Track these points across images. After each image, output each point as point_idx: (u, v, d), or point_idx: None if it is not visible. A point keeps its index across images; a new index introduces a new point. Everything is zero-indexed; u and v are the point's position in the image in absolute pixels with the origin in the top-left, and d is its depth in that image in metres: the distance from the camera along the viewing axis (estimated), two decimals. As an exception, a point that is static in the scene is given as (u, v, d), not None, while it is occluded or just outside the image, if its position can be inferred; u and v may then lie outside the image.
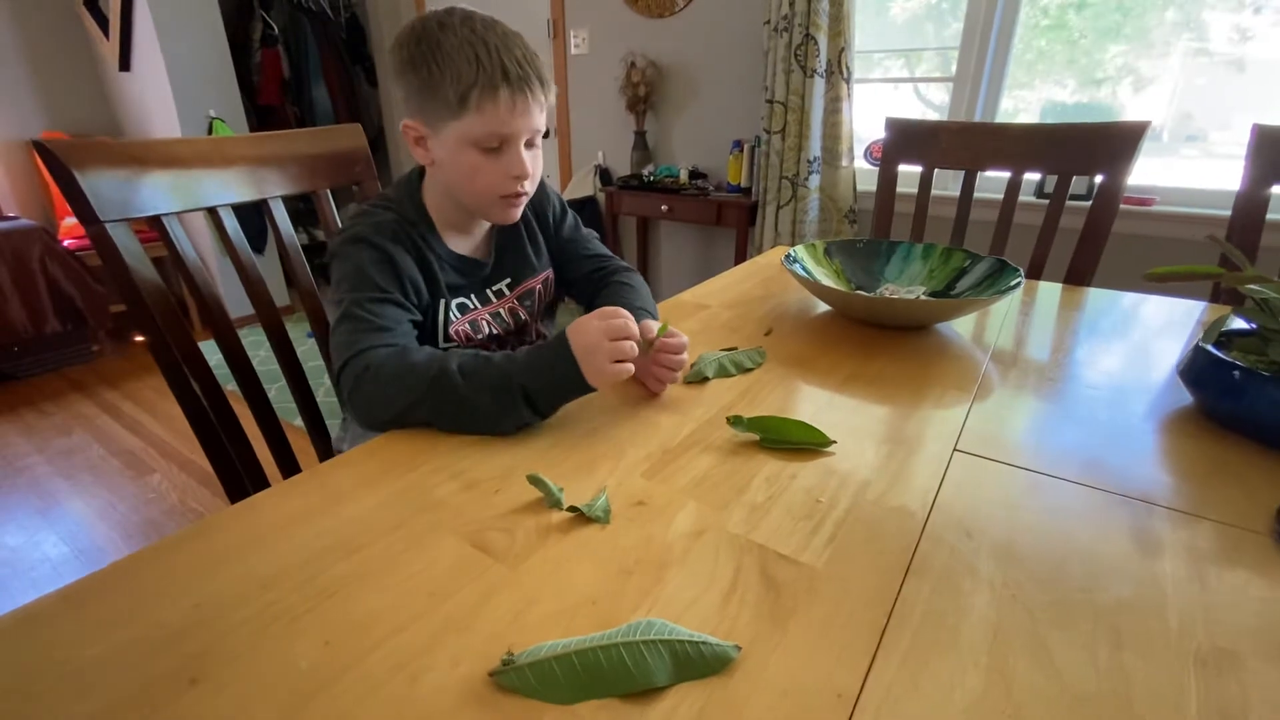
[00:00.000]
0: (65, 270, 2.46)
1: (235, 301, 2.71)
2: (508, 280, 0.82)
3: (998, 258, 0.89)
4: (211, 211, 0.78)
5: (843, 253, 1.00)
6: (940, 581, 0.41)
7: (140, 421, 2.20)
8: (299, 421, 0.87)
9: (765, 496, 0.50)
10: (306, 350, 2.39)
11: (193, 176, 0.75)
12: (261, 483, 0.78)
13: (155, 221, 0.72)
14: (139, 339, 2.80)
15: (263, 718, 0.32)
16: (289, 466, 0.82)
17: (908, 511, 0.49)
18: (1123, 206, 1.12)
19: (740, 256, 2.43)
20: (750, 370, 0.74)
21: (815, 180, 2.20)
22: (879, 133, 2.17)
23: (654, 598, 0.40)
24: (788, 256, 0.93)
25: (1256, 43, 1.70)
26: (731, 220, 2.40)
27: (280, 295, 3.08)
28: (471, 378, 0.57)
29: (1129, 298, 0.98)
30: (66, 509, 1.75)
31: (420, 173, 0.76)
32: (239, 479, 0.77)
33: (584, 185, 2.88)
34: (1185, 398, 0.66)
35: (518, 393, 0.56)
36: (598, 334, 0.57)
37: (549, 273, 0.87)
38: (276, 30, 3.33)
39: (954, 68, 2.05)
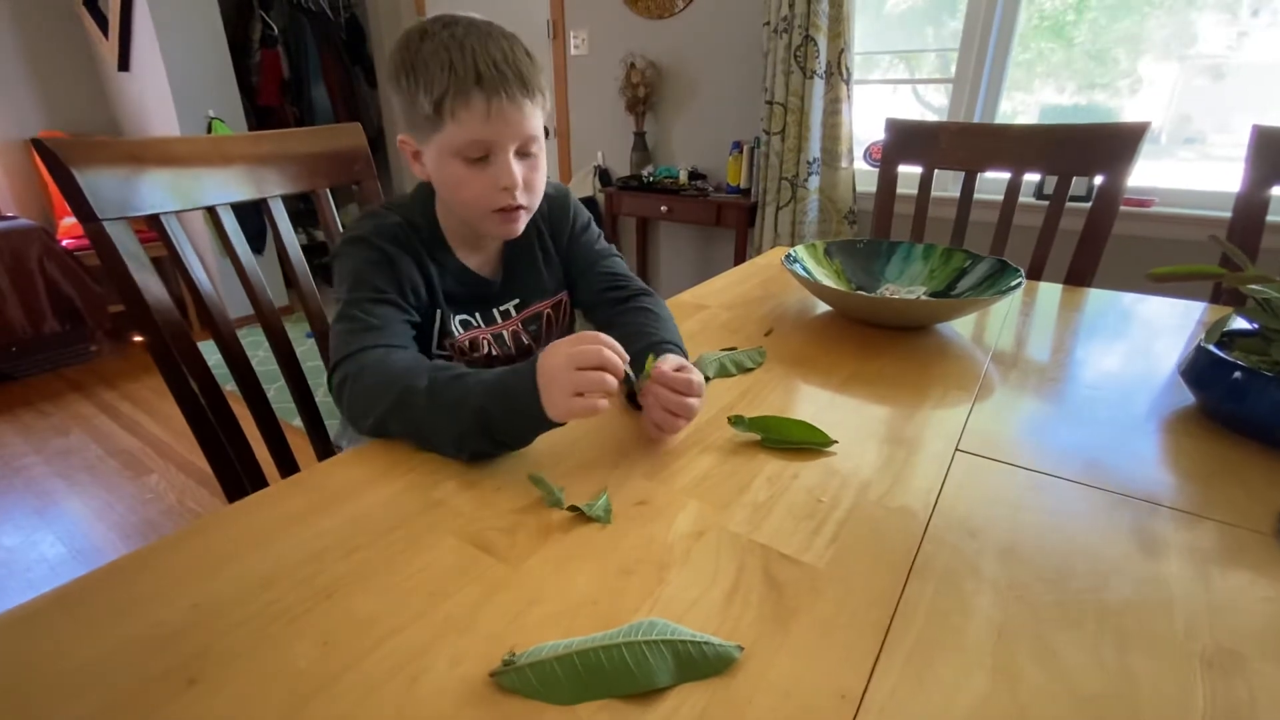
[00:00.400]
0: (64, 270, 2.45)
1: (234, 302, 2.73)
2: (515, 301, 0.78)
3: (998, 258, 0.89)
4: (210, 210, 0.78)
5: (843, 253, 0.99)
6: (943, 582, 0.41)
7: (138, 422, 2.20)
8: (298, 422, 0.87)
9: (767, 496, 0.50)
10: (306, 350, 2.39)
11: (191, 175, 0.75)
12: (260, 483, 0.78)
13: (154, 221, 0.71)
14: (137, 339, 2.80)
15: (261, 718, 0.32)
16: (288, 467, 0.82)
17: (910, 511, 0.48)
18: (1122, 208, 1.12)
19: (740, 257, 2.43)
20: (750, 370, 0.73)
21: (815, 181, 2.20)
22: (878, 134, 2.18)
23: (655, 598, 0.40)
24: (788, 256, 0.93)
25: (1254, 45, 1.70)
26: (731, 221, 2.40)
27: (280, 295, 3.08)
28: (436, 395, 0.53)
29: (1129, 298, 0.98)
30: (64, 509, 1.74)
31: None
32: (238, 479, 0.76)
33: (583, 186, 2.88)
34: (1187, 398, 0.65)
35: (474, 417, 0.51)
36: (562, 361, 0.49)
37: (563, 295, 0.82)
38: (276, 30, 3.32)
39: (953, 69, 2.05)
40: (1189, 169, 1.86)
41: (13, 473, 1.91)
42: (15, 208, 2.84)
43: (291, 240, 0.86)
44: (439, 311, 0.72)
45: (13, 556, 1.57)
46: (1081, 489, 0.51)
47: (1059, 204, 1.14)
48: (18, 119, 2.80)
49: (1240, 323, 0.65)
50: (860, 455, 0.56)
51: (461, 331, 0.74)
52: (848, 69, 2.06)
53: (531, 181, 0.67)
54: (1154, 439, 0.59)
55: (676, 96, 2.62)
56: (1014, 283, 0.80)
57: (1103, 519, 0.48)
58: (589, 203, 2.83)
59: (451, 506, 0.49)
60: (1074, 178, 1.15)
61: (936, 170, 1.26)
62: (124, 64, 2.79)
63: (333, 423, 0.85)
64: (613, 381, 0.49)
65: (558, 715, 0.32)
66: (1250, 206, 1.03)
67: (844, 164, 2.17)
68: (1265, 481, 0.52)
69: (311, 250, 3.23)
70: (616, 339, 0.51)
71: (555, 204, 0.80)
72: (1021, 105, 2.06)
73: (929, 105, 2.27)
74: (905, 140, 1.29)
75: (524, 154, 0.65)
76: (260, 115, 3.39)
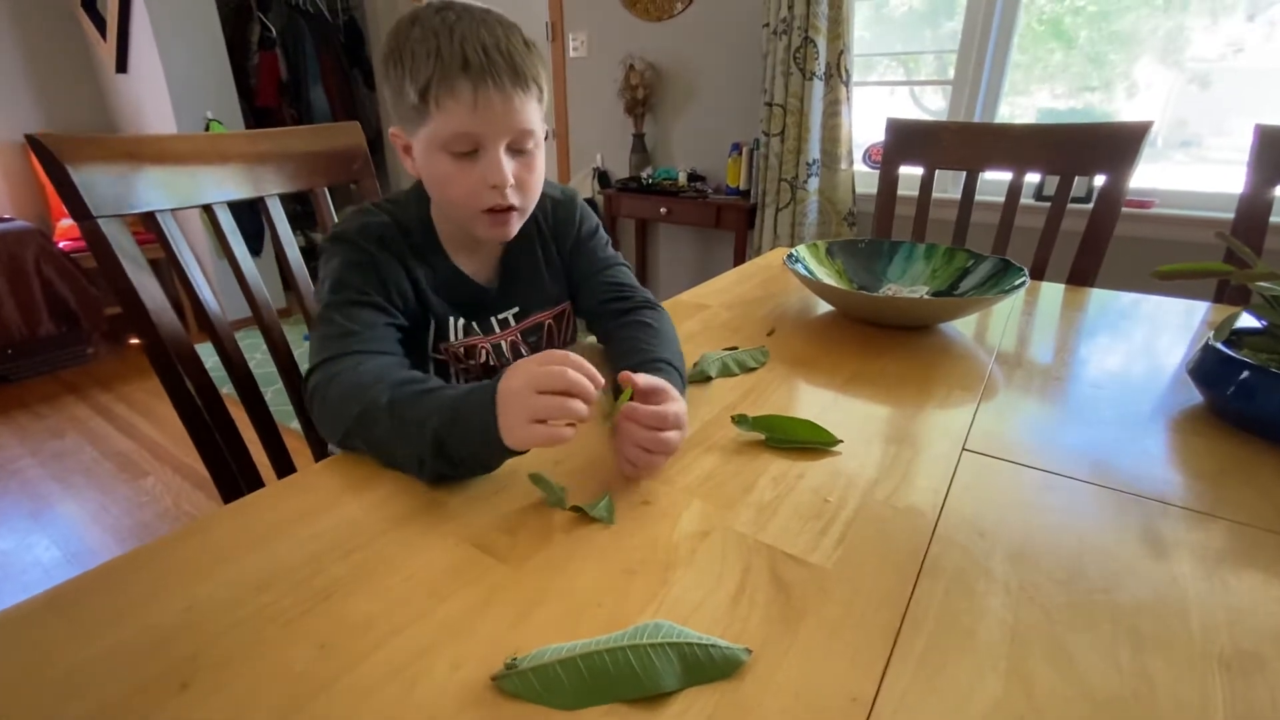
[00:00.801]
0: (60, 272, 2.44)
1: (232, 304, 2.72)
2: (515, 309, 0.74)
3: (1001, 257, 0.88)
4: (207, 209, 0.77)
5: (845, 252, 0.99)
6: (954, 583, 0.40)
7: (134, 424, 2.18)
8: (296, 424, 0.86)
9: (772, 496, 0.49)
10: (304, 352, 2.37)
11: (188, 173, 0.74)
12: (257, 487, 0.76)
13: (151, 220, 0.71)
14: (134, 341, 2.78)
15: (256, 724, 0.31)
16: (286, 470, 0.81)
17: (918, 511, 0.48)
18: (1123, 209, 1.12)
19: (739, 259, 2.42)
20: (753, 370, 0.73)
21: (814, 183, 2.20)
22: (877, 136, 2.18)
23: (660, 599, 0.39)
24: (790, 256, 0.92)
25: (1250, 49, 1.71)
26: (730, 223, 2.39)
27: (278, 297, 3.06)
28: (396, 414, 0.49)
29: (1131, 298, 0.97)
30: (59, 512, 1.73)
31: None
32: (235, 483, 0.75)
33: (582, 188, 2.88)
34: (1193, 397, 0.65)
35: (432, 439, 0.47)
36: (522, 383, 0.44)
37: (566, 305, 0.79)
38: (274, 32, 3.32)
39: (951, 72, 2.05)
40: (1185, 171, 1.86)
41: (8, 475, 1.89)
42: (12, 209, 2.83)
43: (290, 241, 0.85)
44: (431, 318, 0.69)
45: (7, 560, 1.55)
46: (1090, 488, 0.51)
47: (1061, 204, 1.14)
48: (15, 120, 2.80)
49: (1248, 320, 0.64)
50: (866, 455, 0.55)
51: (459, 337, 0.71)
52: (847, 71, 2.06)
53: (525, 181, 0.62)
54: (1162, 438, 0.58)
55: (676, 98, 2.62)
56: (1018, 282, 0.80)
57: (1113, 519, 0.47)
58: (588, 204, 2.82)
59: (451, 507, 0.48)
60: (1075, 179, 1.14)
61: (937, 172, 1.25)
62: (122, 65, 2.78)
63: (330, 424, 0.84)
64: (579, 407, 0.44)
65: (561, 720, 0.31)
66: (1254, 207, 1.02)
67: (843, 166, 2.17)
68: (1276, 480, 0.51)
69: (309, 253, 3.21)
70: (611, 354, 0.47)
71: (561, 208, 0.76)
72: (1019, 108, 2.06)
73: (927, 109, 2.27)
74: (906, 140, 1.29)
75: (518, 151, 0.61)
76: (258, 117, 3.38)
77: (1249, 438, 0.58)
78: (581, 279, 0.77)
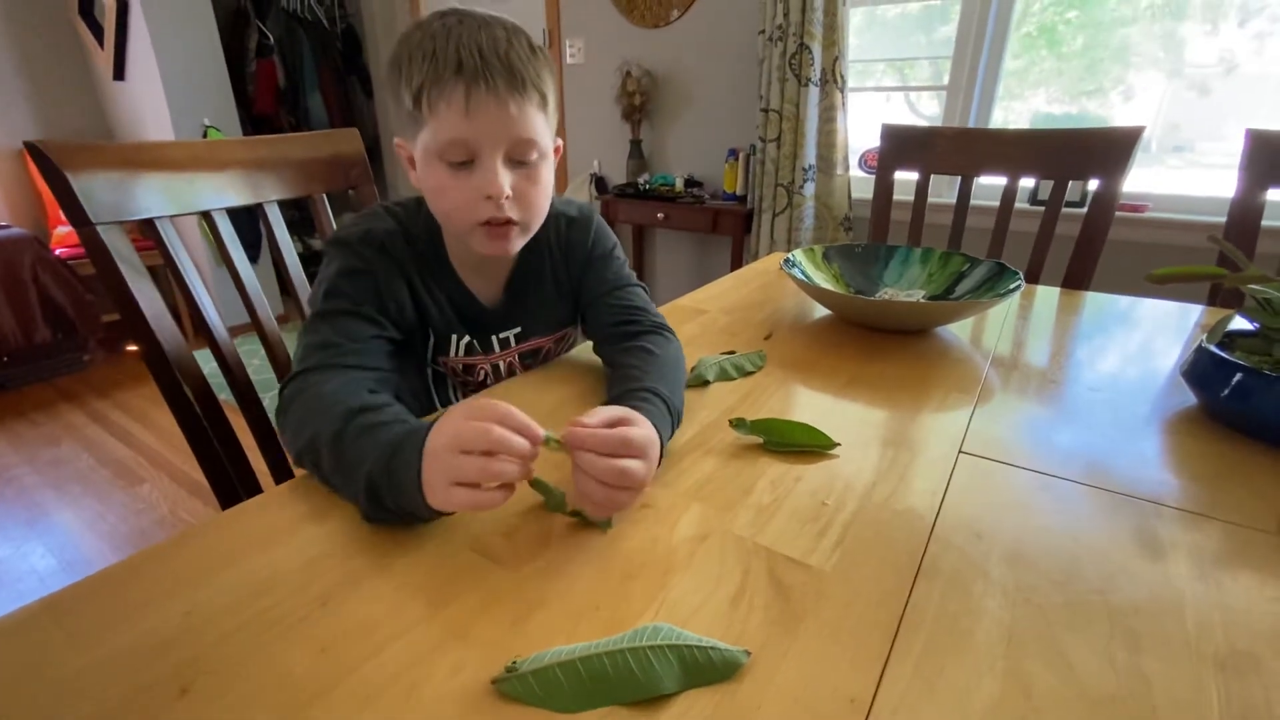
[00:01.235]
0: (57, 279, 2.43)
1: (230, 311, 2.71)
2: (517, 330, 0.71)
3: (997, 260, 0.89)
4: (206, 215, 0.77)
5: (841, 257, 0.99)
6: (951, 584, 0.41)
7: (131, 431, 2.17)
8: (293, 428, 0.86)
9: (770, 499, 0.50)
10: (300, 359, 2.37)
11: (187, 179, 0.74)
12: (256, 493, 0.76)
13: (149, 227, 0.71)
14: (131, 348, 2.78)
15: (256, 729, 0.31)
16: (284, 476, 0.81)
17: (915, 514, 0.48)
18: (1116, 213, 1.12)
19: (736, 264, 2.43)
20: (751, 373, 0.73)
21: (810, 188, 2.21)
22: (872, 142, 2.20)
23: (660, 602, 0.39)
24: (787, 260, 0.92)
25: (1243, 55, 1.72)
26: (727, 228, 2.40)
27: (276, 304, 3.06)
28: (339, 450, 0.46)
29: (1126, 301, 0.98)
30: (55, 520, 1.72)
31: None
32: (233, 490, 0.75)
33: (580, 194, 2.88)
34: (1188, 399, 0.65)
35: (366, 485, 0.43)
36: (446, 441, 0.40)
37: (570, 330, 0.76)
38: (272, 40, 3.33)
39: (946, 78, 2.07)
40: (1178, 176, 1.88)
41: (3, 483, 1.88)
42: (9, 216, 2.82)
43: (288, 247, 0.86)
44: (431, 331, 0.67)
45: (2, 568, 1.54)
46: (1086, 490, 0.51)
47: (1055, 209, 1.14)
48: (12, 128, 2.79)
49: (1241, 323, 0.65)
50: (863, 458, 0.56)
51: (459, 354, 0.69)
52: (842, 76, 2.07)
53: (527, 194, 0.58)
54: (1157, 440, 0.59)
55: (672, 104, 2.63)
56: (1013, 285, 0.80)
57: (1109, 520, 0.47)
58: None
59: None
60: (1069, 183, 1.15)
61: (932, 177, 1.26)
62: (119, 73, 2.78)
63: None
64: (507, 469, 0.39)
65: (561, 723, 0.31)
66: (1245, 211, 1.03)
67: (839, 171, 2.18)
68: (1270, 481, 0.52)
69: (308, 259, 3.21)
70: (607, 381, 0.43)
71: (575, 226, 0.72)
72: (1013, 113, 2.08)
73: (922, 115, 2.29)
74: (901, 145, 1.30)
75: (519, 162, 0.57)
76: (256, 124, 3.39)
77: (1243, 439, 0.58)
78: (590, 302, 0.72)
